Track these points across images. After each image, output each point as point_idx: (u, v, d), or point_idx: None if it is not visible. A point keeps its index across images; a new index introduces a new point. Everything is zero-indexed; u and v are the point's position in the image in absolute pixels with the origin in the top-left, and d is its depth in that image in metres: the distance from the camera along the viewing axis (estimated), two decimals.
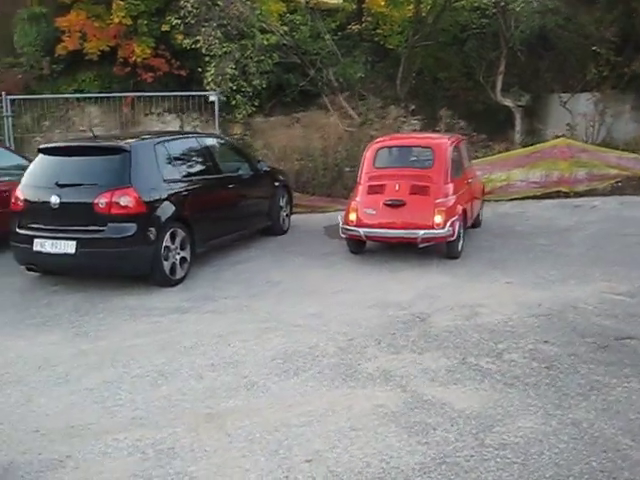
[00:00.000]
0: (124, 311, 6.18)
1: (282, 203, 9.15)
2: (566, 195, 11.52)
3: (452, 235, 7.40)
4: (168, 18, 16.83)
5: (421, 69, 19.44)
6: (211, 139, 8.31)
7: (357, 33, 19.73)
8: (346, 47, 19.04)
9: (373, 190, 7.73)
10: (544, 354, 4.95)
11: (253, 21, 16.86)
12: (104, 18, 17.08)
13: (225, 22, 16.52)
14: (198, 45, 16.51)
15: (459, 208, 7.65)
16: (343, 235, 7.75)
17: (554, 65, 17.94)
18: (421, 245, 7.53)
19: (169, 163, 7.06)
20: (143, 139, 7.17)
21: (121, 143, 6.74)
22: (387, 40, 19.08)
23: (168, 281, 6.79)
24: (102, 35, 16.92)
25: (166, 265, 6.72)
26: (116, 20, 16.69)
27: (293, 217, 10.23)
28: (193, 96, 14.12)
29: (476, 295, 6.40)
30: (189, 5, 16.31)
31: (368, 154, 8.05)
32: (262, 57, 17.38)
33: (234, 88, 17.08)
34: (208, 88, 16.85)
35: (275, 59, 17.48)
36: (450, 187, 7.71)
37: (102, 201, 6.35)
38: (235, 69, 16.90)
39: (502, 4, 17.83)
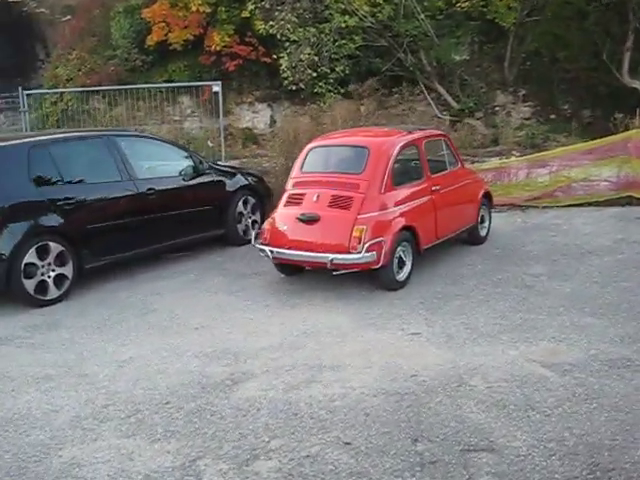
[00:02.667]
0: None
1: (244, 209, 7.94)
2: None
3: (377, 261, 5.74)
4: (248, 4, 16.14)
5: (537, 49, 16.76)
6: (130, 138, 7.30)
7: (464, 11, 17.45)
8: (448, 27, 16.96)
9: (292, 201, 6.27)
10: (315, 467, 3.36)
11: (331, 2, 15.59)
12: (188, 7, 16.81)
13: (298, 5, 15.43)
14: (273, 31, 15.66)
15: (397, 225, 5.93)
16: (261, 254, 6.39)
17: None
18: (335, 273, 5.95)
19: (51, 168, 6.25)
20: (16, 141, 6.42)
21: None
22: (502, 17, 16.61)
23: (35, 301, 6.02)
24: (184, 24, 16.67)
25: (29, 283, 5.94)
26: (193, 8, 16.33)
27: None
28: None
29: (350, 350, 4.80)
30: None
31: (300, 155, 6.58)
32: (343, 41, 16.06)
33: (315, 75, 16.00)
34: (285, 76, 15.98)
35: (358, 42, 16.05)
36: (389, 198, 6.01)
37: None
38: (316, 55, 15.81)
39: None
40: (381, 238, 5.75)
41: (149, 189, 6.91)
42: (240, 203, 7.91)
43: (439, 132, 7.15)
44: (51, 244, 6.08)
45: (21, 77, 18.29)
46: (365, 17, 15.84)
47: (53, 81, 17.80)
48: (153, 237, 6.96)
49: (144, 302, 6.13)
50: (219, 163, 10.06)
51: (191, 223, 7.36)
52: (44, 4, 20.72)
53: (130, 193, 6.77)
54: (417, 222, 6.17)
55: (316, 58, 15.83)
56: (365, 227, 5.73)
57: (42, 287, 6.05)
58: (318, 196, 6.07)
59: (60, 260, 6.17)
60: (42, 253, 6.03)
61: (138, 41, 17.23)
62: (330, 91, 16.37)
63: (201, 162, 7.59)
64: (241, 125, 17.86)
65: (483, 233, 7.54)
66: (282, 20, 15.49)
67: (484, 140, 14.65)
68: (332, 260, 5.74)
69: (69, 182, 6.34)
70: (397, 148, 6.17)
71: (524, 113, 16.67)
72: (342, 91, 16.44)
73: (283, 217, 6.18)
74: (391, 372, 4.40)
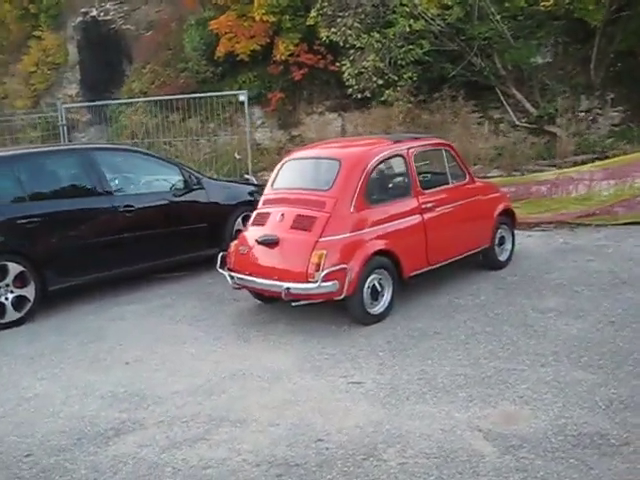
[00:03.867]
0: None
1: (244, 227, 7.32)
2: None
3: (339, 291, 4.94)
4: (312, 11, 15.63)
5: (630, 48, 14.97)
6: (112, 153, 6.92)
7: (547, 11, 15.92)
8: (528, 28, 15.54)
9: (257, 221, 5.60)
10: None
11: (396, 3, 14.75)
12: (254, 17, 16.57)
13: (361, 10, 14.73)
14: (335, 38, 15.07)
15: (369, 249, 5.09)
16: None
17: None
18: (295, 304, 5.19)
19: (14, 185, 5.98)
20: None
21: None
22: (590, 15, 14.98)
23: None
24: (250, 35, 16.42)
25: None
26: (257, 18, 16.04)
27: None
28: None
29: (270, 400, 4.06)
30: None
31: (274, 170, 5.89)
32: (410, 46, 15.14)
33: (380, 83, 15.22)
34: (347, 84, 15.33)
35: (426, 47, 15.06)
36: (360, 218, 5.18)
37: None
38: (381, 61, 15.04)
39: None
40: (344, 265, 4.94)
41: (127, 206, 6.49)
42: (240, 220, 7.31)
43: (438, 141, 6.16)
44: (9, 265, 5.77)
45: (109, 92, 18.92)
46: (433, 20, 14.87)
47: (129, 94, 18.22)
48: (132, 257, 6.51)
49: (101, 328, 5.67)
50: (246, 176, 9.59)
51: (179, 242, 6.85)
52: (130, 21, 21.35)
53: (104, 211, 6.38)
54: (398, 245, 5.29)
55: (381, 65, 15.05)
56: (325, 252, 4.95)
57: None
58: (282, 216, 5.37)
59: (20, 281, 5.86)
60: None
61: (208, 53, 17.20)
62: (399, 99, 15.48)
63: (191, 176, 7.06)
64: (312, 135, 17.39)
65: (503, 257, 6.49)
66: (344, 26, 14.87)
67: (564, 149, 13.23)
68: (288, 289, 5.00)
69: (33, 200, 6.03)
70: (374, 161, 5.32)
71: (613, 119, 14.95)
72: (412, 99, 15.53)
73: (247, 239, 5.52)
74: (297, 433, 3.62)
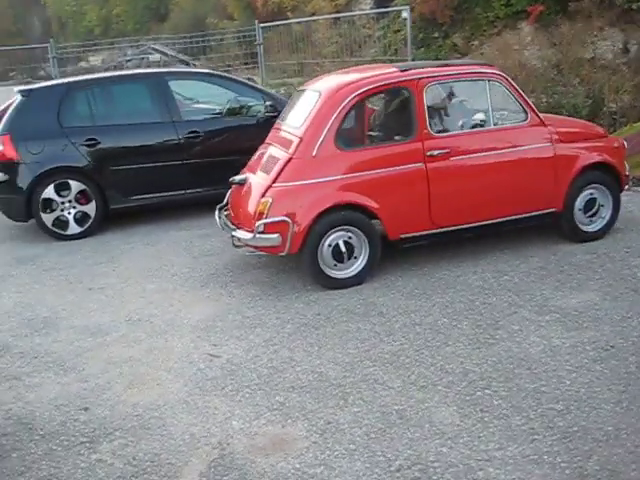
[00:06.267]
0: None
1: None
2: None
3: (281, 247, 4.18)
4: None
5: None
6: (183, 77, 6.78)
7: None
8: None
9: (254, 158, 4.98)
10: None
11: None
12: None
13: None
14: None
15: (326, 201, 4.15)
16: None
17: None
18: (248, 253, 4.55)
19: (84, 109, 6.32)
20: (57, 82, 6.52)
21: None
22: None
23: (55, 234, 6.24)
24: None
25: (46, 218, 6.21)
26: None
27: None
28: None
29: (104, 356, 3.70)
30: None
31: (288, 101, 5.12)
32: None
33: None
34: None
35: None
36: (325, 163, 4.22)
37: None
38: None
39: None
40: (285, 217, 4.14)
41: (192, 132, 6.39)
42: None
43: (477, 70, 4.41)
44: (71, 182, 6.20)
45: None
46: None
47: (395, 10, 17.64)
48: (195, 181, 6.42)
49: (124, 252, 5.70)
50: None
51: None
52: None
53: (168, 136, 6.38)
54: (380, 199, 4.22)
55: None
56: (271, 200, 4.20)
57: (61, 222, 6.26)
58: (263, 154, 4.73)
59: (83, 198, 6.27)
60: (62, 190, 6.20)
61: None
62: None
63: (276, 103, 6.55)
64: (585, 55, 14.83)
65: (593, 226, 4.73)
66: None
67: None
68: (235, 237, 4.44)
69: (98, 124, 6.30)
70: (354, 94, 4.21)
71: None
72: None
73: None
74: (49, 404, 3.23)
